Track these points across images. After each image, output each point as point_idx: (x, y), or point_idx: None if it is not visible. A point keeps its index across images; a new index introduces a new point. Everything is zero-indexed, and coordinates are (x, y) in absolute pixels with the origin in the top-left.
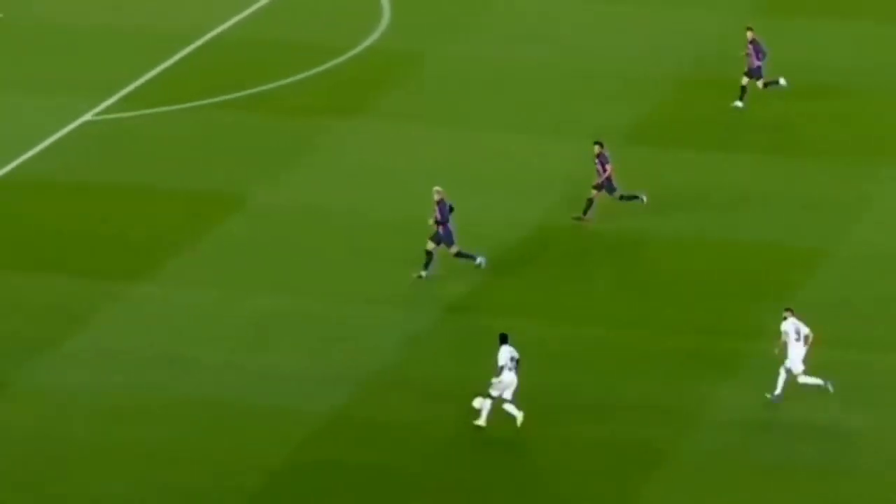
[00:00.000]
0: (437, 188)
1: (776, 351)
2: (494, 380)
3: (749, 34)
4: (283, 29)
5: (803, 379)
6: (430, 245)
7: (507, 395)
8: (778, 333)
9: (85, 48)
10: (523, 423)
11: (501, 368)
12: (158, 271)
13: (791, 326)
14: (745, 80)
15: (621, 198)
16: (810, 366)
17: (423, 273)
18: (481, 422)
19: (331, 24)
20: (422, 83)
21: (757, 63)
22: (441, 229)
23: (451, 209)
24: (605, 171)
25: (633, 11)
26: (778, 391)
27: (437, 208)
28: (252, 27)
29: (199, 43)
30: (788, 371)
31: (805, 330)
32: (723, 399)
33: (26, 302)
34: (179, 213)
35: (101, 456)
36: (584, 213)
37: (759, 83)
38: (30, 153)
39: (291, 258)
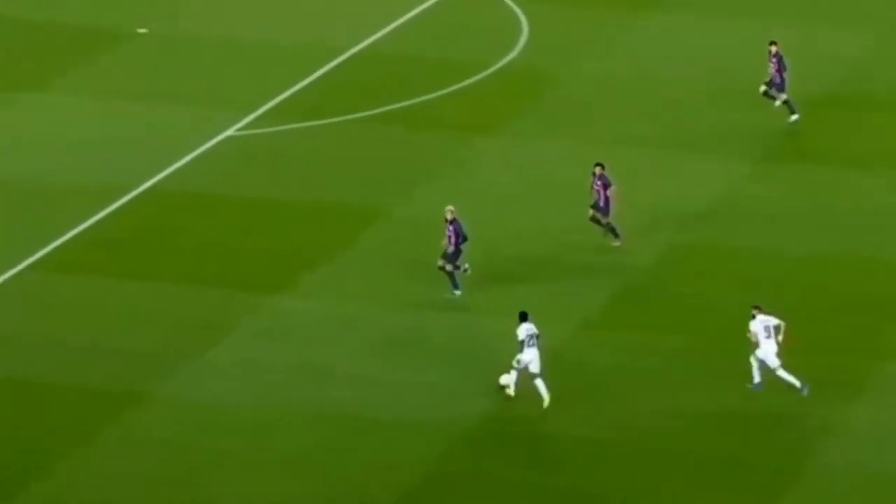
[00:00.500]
0: (449, 208)
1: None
2: (517, 357)
3: (773, 48)
4: (424, 45)
5: (781, 373)
6: (447, 266)
7: (534, 368)
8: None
9: (230, 63)
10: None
11: (522, 344)
12: (298, 284)
13: (759, 325)
14: (783, 96)
15: (607, 224)
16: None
17: (457, 292)
18: (510, 391)
19: (471, 41)
20: (559, 100)
21: (779, 77)
22: (451, 248)
23: (465, 238)
24: (605, 192)
25: (769, 30)
26: (756, 379)
27: (450, 228)
28: (393, 43)
29: (341, 59)
30: (761, 361)
31: (774, 322)
32: (854, 415)
33: (168, 313)
34: (319, 227)
35: (238, 467)
36: (616, 237)
37: (782, 95)
38: (173, 167)
39: (427, 272)
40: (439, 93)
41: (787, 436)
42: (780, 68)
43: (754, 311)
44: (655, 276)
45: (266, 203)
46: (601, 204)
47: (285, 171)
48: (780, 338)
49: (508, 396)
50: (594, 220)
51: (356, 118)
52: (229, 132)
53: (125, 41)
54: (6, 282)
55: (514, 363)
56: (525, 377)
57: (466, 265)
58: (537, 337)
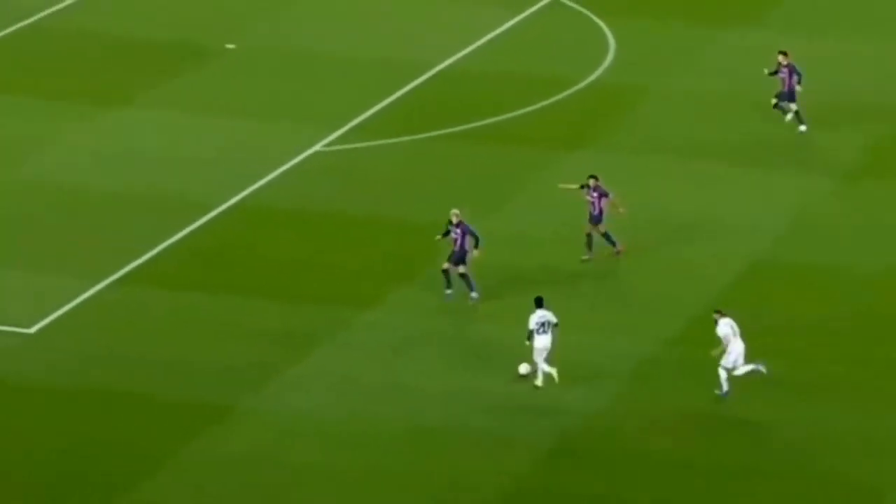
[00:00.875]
0: (455, 211)
1: (714, 353)
2: (527, 342)
3: (782, 58)
4: (511, 62)
5: (740, 370)
6: (461, 269)
7: (543, 355)
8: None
9: (317, 78)
10: (735, 451)
11: (530, 333)
12: (385, 298)
13: (727, 328)
14: (793, 106)
15: (604, 234)
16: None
17: (474, 295)
18: (539, 382)
19: (558, 58)
20: (646, 116)
21: (790, 86)
22: (458, 249)
23: (477, 239)
24: (600, 203)
25: (852, 46)
26: (725, 388)
27: (457, 230)
28: (481, 60)
29: (429, 75)
30: (727, 368)
31: (737, 328)
32: None
33: (255, 327)
34: (406, 242)
35: (323, 481)
36: (615, 246)
37: (793, 106)
38: (260, 182)
39: (513, 287)
40: (526, 109)
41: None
42: (791, 79)
43: (716, 316)
44: (735, 293)
45: (353, 218)
46: (595, 213)
47: (372, 187)
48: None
49: (537, 386)
50: (589, 237)
51: (444, 134)
52: (316, 148)
53: (213, 57)
54: (95, 295)
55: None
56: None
57: (475, 294)
58: (553, 325)
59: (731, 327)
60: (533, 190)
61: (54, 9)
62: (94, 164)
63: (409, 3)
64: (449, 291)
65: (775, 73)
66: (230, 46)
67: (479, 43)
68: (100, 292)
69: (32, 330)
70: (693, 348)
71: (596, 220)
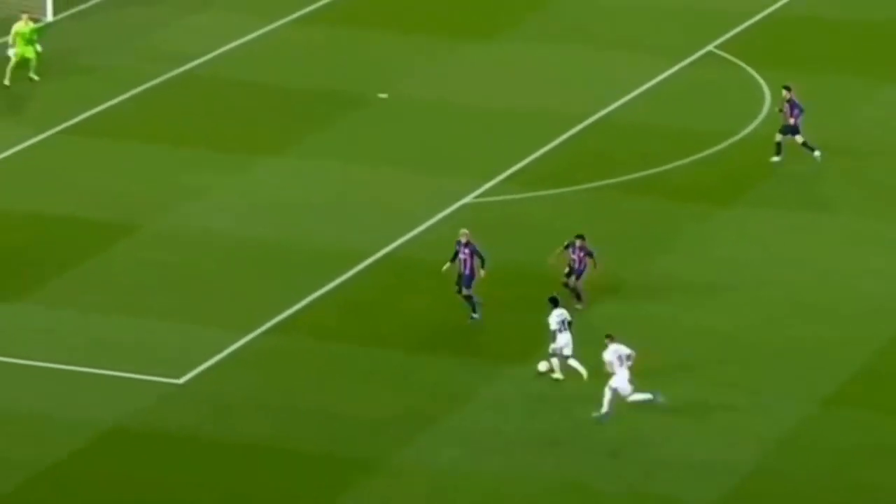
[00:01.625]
0: (464, 230)
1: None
2: (551, 346)
3: (786, 93)
4: (663, 114)
5: (633, 397)
6: (465, 291)
7: (567, 352)
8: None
9: (469, 129)
10: None
11: (554, 333)
12: (537, 354)
13: (613, 354)
14: (778, 137)
15: (574, 287)
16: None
17: (476, 316)
18: (558, 375)
19: (712, 109)
20: (801, 171)
21: (791, 120)
22: (466, 271)
23: (483, 260)
24: (583, 262)
25: None
26: (605, 409)
27: (465, 251)
28: (632, 112)
29: (582, 126)
30: (614, 390)
31: (626, 351)
32: None
33: (405, 379)
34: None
35: None
36: (580, 300)
37: (798, 138)
38: (411, 233)
39: (669, 341)
40: (678, 162)
41: None
42: (794, 113)
43: (607, 341)
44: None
45: (501, 272)
46: (577, 269)
47: (521, 239)
48: (631, 365)
49: (558, 379)
50: (567, 286)
51: (597, 186)
52: (466, 199)
53: (365, 106)
54: (245, 345)
55: (550, 351)
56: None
57: (475, 315)
58: (569, 323)
59: (619, 356)
60: (687, 243)
61: (206, 57)
62: (246, 213)
63: (562, 54)
64: (476, 315)
65: (781, 110)
66: (382, 96)
67: (633, 94)
68: (250, 342)
69: (181, 380)
70: (853, 410)
71: (578, 274)
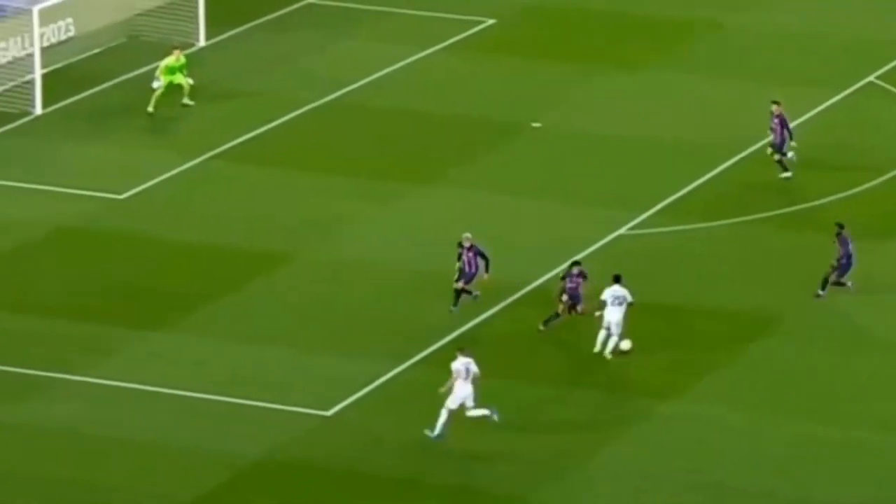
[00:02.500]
0: (466, 234)
1: (441, 390)
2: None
3: (775, 108)
4: (823, 144)
5: (473, 413)
6: (461, 284)
7: (615, 330)
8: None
9: (623, 159)
10: None
11: (604, 303)
12: (690, 390)
13: (461, 366)
14: (777, 156)
15: (549, 319)
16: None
17: (454, 309)
18: (625, 346)
19: (872, 141)
20: None
21: (780, 138)
22: (468, 271)
23: (486, 259)
24: (578, 289)
25: None
26: (438, 430)
27: (469, 254)
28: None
29: (736, 158)
30: (450, 410)
31: (474, 369)
32: None
33: (551, 417)
34: (715, 333)
35: None
36: (545, 323)
37: (778, 156)
38: (562, 266)
39: (840, 386)
40: (840, 195)
41: None
42: (782, 129)
43: (458, 353)
44: None
45: (657, 306)
46: (575, 294)
47: (679, 272)
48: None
49: (624, 351)
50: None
51: (754, 219)
52: (621, 231)
53: (519, 135)
54: (395, 377)
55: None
56: None
57: (477, 292)
58: (629, 303)
59: (466, 368)
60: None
61: (357, 84)
62: (400, 243)
63: (717, 85)
64: (454, 309)
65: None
66: (536, 125)
67: (791, 125)
68: (400, 374)
69: (329, 412)
70: None
71: (576, 299)
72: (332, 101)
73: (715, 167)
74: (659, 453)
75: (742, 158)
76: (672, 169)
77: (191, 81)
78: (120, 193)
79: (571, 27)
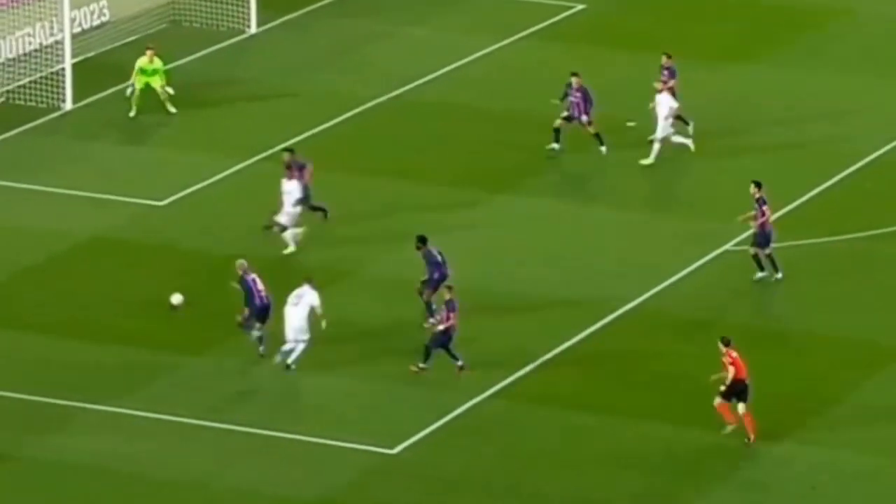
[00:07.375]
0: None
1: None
2: None
3: (575, 80)
4: None
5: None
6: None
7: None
8: None
9: (729, 166)
10: None
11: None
12: (799, 428)
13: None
14: (558, 123)
15: None
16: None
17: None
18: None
19: None
20: None
21: (579, 110)
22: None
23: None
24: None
25: None
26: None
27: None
28: None
29: (858, 165)
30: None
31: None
32: None
33: (648, 456)
34: (830, 362)
35: None
36: (422, 362)
37: (590, 128)
38: (663, 284)
39: None
40: None
41: None
42: (584, 102)
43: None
44: None
45: (761, 332)
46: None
47: (788, 294)
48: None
49: None
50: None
51: (868, 236)
52: (727, 246)
53: (610, 137)
54: (467, 411)
55: None
56: None
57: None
58: None
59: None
60: None
61: (426, 78)
62: (473, 258)
63: (838, 81)
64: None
65: (565, 97)
66: (631, 124)
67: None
68: (473, 408)
69: (395, 450)
70: None
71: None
72: (396, 97)
73: (836, 174)
74: (763, 497)
75: (863, 165)
76: (786, 176)
77: (170, 91)
78: (160, 200)
79: (670, 13)
